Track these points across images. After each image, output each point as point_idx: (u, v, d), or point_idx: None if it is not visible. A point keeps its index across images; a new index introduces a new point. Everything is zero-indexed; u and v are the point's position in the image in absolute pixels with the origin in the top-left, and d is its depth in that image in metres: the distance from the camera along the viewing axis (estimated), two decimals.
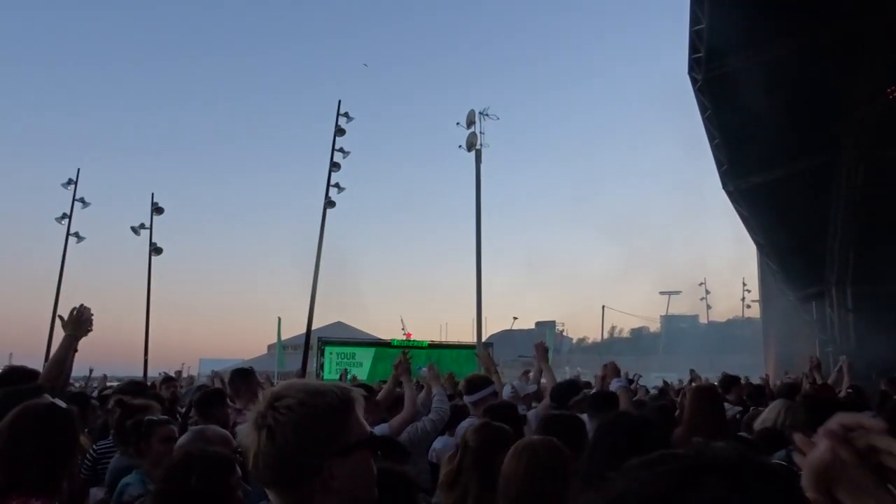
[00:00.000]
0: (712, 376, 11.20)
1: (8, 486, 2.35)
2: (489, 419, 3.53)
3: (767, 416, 4.91)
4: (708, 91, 14.09)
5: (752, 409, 6.34)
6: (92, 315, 4.16)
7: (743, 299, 58.68)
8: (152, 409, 4.25)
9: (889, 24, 12.70)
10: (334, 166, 23.75)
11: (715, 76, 13.69)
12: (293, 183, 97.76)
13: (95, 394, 8.84)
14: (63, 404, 2.76)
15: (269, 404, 1.48)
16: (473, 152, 25.01)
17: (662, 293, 68.44)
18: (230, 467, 2.40)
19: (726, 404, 5.94)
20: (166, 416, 4.12)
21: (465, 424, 4.76)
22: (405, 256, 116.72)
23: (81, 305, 4.06)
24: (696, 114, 15.08)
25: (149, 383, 10.72)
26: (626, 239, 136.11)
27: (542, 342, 6.78)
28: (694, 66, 13.75)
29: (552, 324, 55.59)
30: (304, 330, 23.55)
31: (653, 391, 10.98)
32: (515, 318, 62.65)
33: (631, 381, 7.10)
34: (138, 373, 24.43)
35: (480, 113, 25.28)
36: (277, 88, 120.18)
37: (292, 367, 26.91)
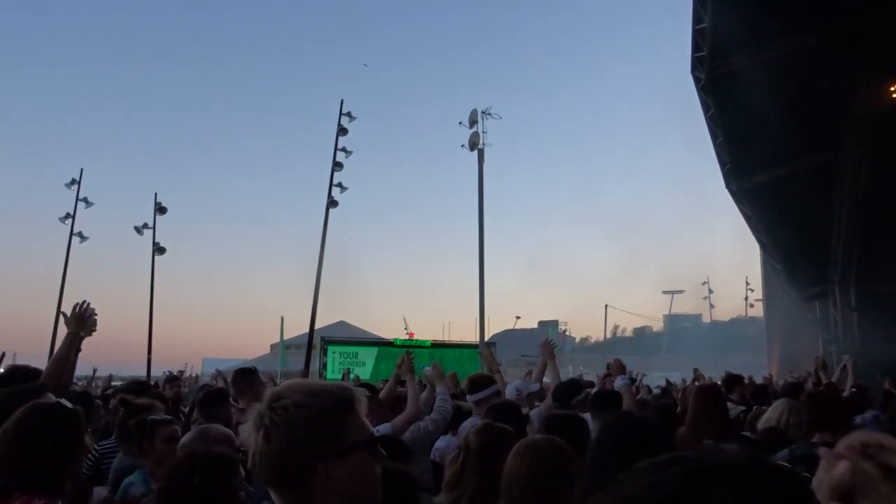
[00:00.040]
0: (715, 376, 11.17)
1: (12, 486, 2.35)
2: (491, 420, 3.52)
3: (771, 415, 4.90)
4: (710, 90, 14.07)
5: (755, 408, 6.32)
6: (96, 315, 4.16)
7: (746, 298, 58.74)
8: (155, 408, 4.24)
9: (893, 22, 12.67)
10: (337, 166, 23.75)
11: (717, 75, 13.67)
12: (296, 182, 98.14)
13: (99, 392, 8.85)
14: (69, 404, 2.76)
15: (268, 405, 1.48)
16: (476, 152, 24.99)
17: (665, 292, 68.60)
18: (233, 468, 2.40)
19: (729, 404, 5.93)
20: (169, 416, 4.12)
21: (468, 424, 4.76)
22: (408, 256, 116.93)
23: (84, 301, 4.05)
24: (699, 113, 15.09)
25: (152, 382, 10.75)
26: (629, 238, 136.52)
27: (550, 341, 6.77)
28: (697, 64, 13.72)
29: (555, 323, 55.70)
30: (306, 329, 23.56)
31: (656, 391, 10.97)
32: (518, 318, 62.72)
33: (634, 381, 7.09)
34: (141, 372, 24.45)
35: (483, 112, 25.25)
36: (280, 88, 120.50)
37: (295, 366, 26.91)
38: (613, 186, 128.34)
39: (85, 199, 27.71)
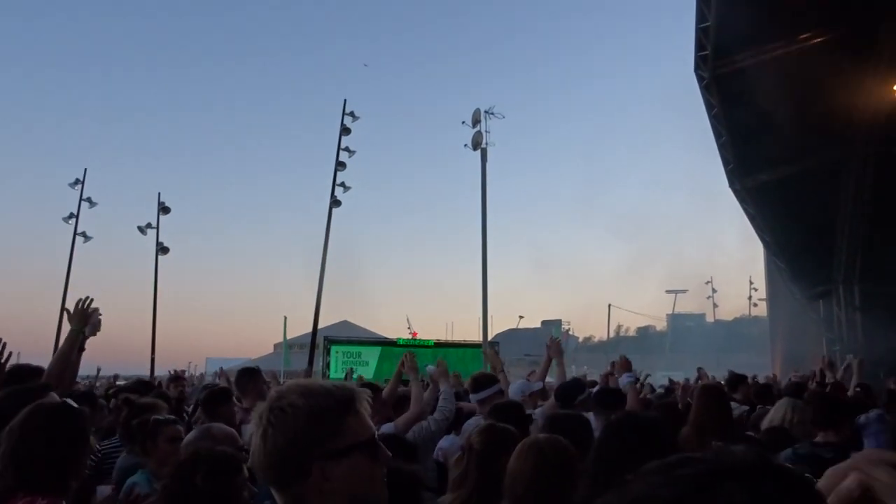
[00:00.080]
0: (719, 375, 11.17)
1: (17, 486, 2.35)
2: (494, 420, 3.53)
3: (774, 414, 4.90)
4: (714, 89, 14.04)
5: (758, 408, 6.32)
6: (100, 315, 4.16)
7: (750, 298, 58.77)
8: (159, 407, 4.25)
9: None
10: (340, 165, 23.78)
11: (721, 74, 13.64)
12: (299, 182, 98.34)
13: (102, 392, 8.86)
14: (74, 404, 2.76)
15: (267, 404, 1.49)
16: (479, 151, 24.98)
17: (669, 292, 68.43)
18: (237, 467, 2.41)
19: (733, 403, 5.92)
20: (173, 416, 4.13)
21: (472, 423, 4.76)
22: (411, 255, 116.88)
23: (87, 297, 4.04)
24: (703, 112, 15.06)
25: (156, 382, 10.75)
26: (633, 237, 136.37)
27: (558, 339, 6.77)
28: (700, 63, 13.69)
29: (558, 322, 55.51)
30: (310, 329, 23.64)
31: (659, 390, 10.95)
32: (521, 317, 62.94)
33: (637, 380, 7.08)
34: (145, 372, 24.53)
35: (486, 112, 25.24)
36: (283, 88, 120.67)
37: (298, 365, 26.98)
38: (616, 186, 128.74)
39: (89, 199, 27.81)
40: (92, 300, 4.03)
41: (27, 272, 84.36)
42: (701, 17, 12.96)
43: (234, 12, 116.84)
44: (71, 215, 27.69)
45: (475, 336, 27.55)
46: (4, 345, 3.58)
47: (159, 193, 27.70)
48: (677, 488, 0.70)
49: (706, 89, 14.16)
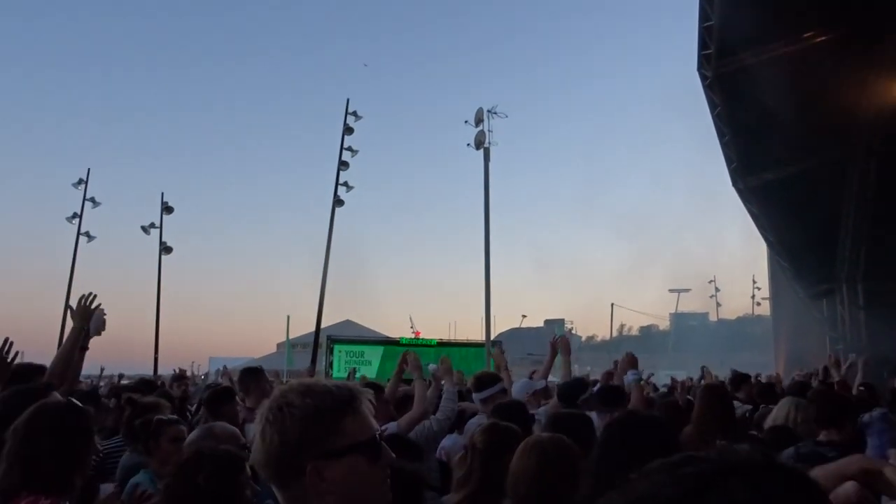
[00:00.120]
0: (722, 374, 11.17)
1: (21, 485, 2.36)
2: (497, 419, 3.53)
3: (778, 413, 4.89)
4: (717, 88, 14.02)
5: (762, 406, 6.31)
6: (105, 315, 4.17)
7: (753, 297, 58.78)
8: (161, 407, 4.26)
9: None
10: (343, 165, 23.80)
11: (724, 73, 13.62)
12: (302, 182, 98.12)
13: (106, 391, 8.88)
14: (79, 403, 2.77)
15: (269, 403, 1.49)
16: (482, 151, 24.94)
17: (672, 291, 68.34)
18: (239, 466, 2.41)
19: (736, 402, 5.92)
20: (175, 416, 4.13)
21: (475, 422, 4.76)
22: (414, 255, 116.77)
23: (90, 293, 4.04)
24: (704, 111, 15.05)
25: (159, 382, 10.77)
26: (636, 237, 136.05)
27: (566, 337, 6.80)
28: (703, 62, 13.68)
29: (561, 322, 55.56)
30: (313, 328, 23.65)
31: (662, 389, 10.94)
32: (524, 317, 62.87)
33: (641, 378, 7.08)
34: (148, 371, 24.56)
35: (489, 111, 25.19)
36: (285, 88, 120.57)
37: (301, 365, 26.93)
38: (618, 185, 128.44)
39: (92, 199, 27.90)
40: (95, 296, 4.03)
41: (27, 272, 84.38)
42: (704, 15, 12.95)
43: (234, 12, 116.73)
44: (74, 215, 27.76)
45: (478, 335, 27.54)
46: (11, 344, 3.59)
47: (162, 193, 27.77)
48: (681, 487, 0.70)
49: (709, 88, 14.15)
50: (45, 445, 2.42)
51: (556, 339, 6.79)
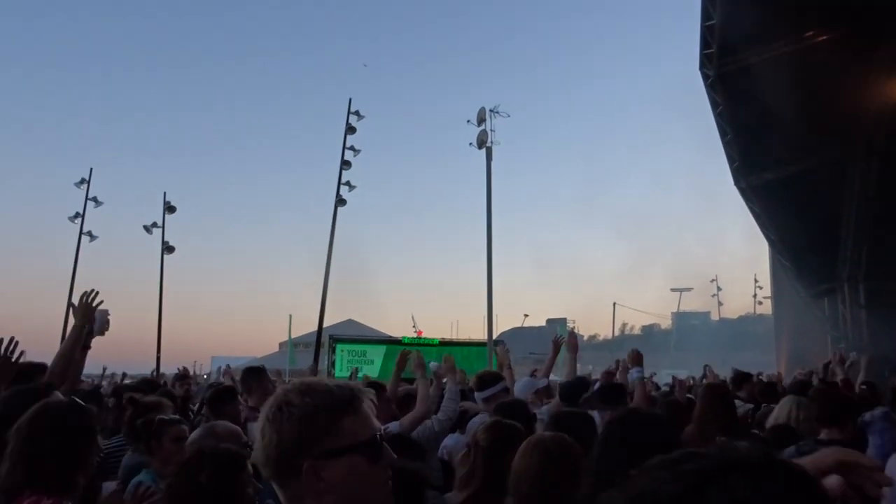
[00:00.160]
0: (724, 373, 11.17)
1: (24, 484, 2.36)
2: (500, 417, 3.53)
3: (779, 412, 4.88)
4: (719, 87, 14.01)
5: (763, 405, 6.30)
6: (109, 315, 4.17)
7: (755, 296, 58.58)
8: (163, 406, 4.25)
9: None
10: (345, 164, 23.75)
11: (726, 72, 13.60)
12: (304, 181, 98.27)
13: (109, 391, 8.88)
14: (82, 403, 2.77)
15: (271, 401, 1.49)
16: (484, 150, 24.91)
17: (674, 290, 68.24)
18: (241, 465, 2.41)
19: (738, 401, 5.91)
20: (178, 416, 4.13)
21: (478, 420, 4.76)
22: (416, 254, 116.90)
23: (92, 290, 4.02)
24: (705, 111, 15.04)
25: (162, 381, 10.77)
26: (637, 236, 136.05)
27: (574, 335, 6.82)
28: (705, 61, 13.67)
29: (563, 321, 55.43)
30: (315, 328, 23.62)
31: (664, 388, 10.95)
32: (526, 316, 62.80)
33: (644, 376, 7.09)
34: (151, 370, 24.53)
35: (491, 111, 25.13)
36: (288, 87, 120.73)
37: (303, 364, 26.98)
38: (621, 184, 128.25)
39: (94, 199, 27.83)
40: (97, 293, 4.02)
41: (29, 272, 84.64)
42: (706, 15, 12.94)
43: (234, 12, 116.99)
44: (77, 214, 27.70)
45: (479, 335, 27.53)
46: (16, 343, 3.59)
47: (164, 193, 27.70)
48: (681, 483, 0.70)
49: (711, 87, 14.14)
50: (48, 445, 2.42)
51: (561, 337, 6.80)
